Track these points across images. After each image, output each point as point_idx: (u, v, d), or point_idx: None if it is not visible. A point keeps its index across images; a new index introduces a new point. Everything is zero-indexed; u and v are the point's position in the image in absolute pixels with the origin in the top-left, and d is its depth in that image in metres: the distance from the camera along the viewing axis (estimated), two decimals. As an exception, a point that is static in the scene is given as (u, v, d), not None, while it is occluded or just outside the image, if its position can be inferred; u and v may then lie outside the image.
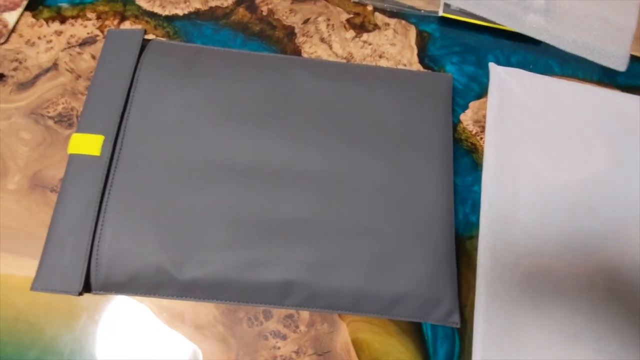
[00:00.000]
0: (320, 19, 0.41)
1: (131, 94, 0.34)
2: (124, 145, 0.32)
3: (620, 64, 0.39)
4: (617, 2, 0.41)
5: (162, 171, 0.31)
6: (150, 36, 0.39)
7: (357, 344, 0.30)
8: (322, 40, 0.40)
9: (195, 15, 0.40)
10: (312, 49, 0.40)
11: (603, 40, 0.39)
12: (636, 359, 0.30)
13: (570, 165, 0.36)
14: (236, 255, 0.29)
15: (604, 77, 0.41)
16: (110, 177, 0.31)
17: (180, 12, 0.40)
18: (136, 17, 0.40)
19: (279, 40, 0.40)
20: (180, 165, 0.32)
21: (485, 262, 0.32)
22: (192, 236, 0.30)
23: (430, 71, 0.39)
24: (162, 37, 0.39)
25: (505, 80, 0.38)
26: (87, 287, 0.29)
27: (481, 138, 0.37)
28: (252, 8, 0.41)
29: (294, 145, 0.33)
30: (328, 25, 0.41)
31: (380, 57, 0.40)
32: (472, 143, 0.37)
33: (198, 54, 0.36)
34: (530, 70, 0.40)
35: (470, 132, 0.38)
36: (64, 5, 0.39)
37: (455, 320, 0.31)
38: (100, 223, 0.30)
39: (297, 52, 0.39)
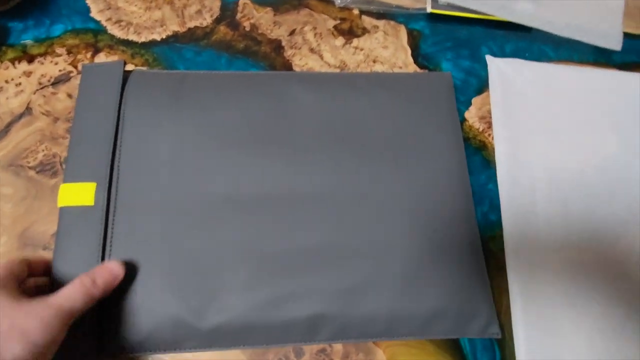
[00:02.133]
0: (306, 28, 0.39)
1: (119, 132, 0.31)
2: (120, 189, 0.30)
3: (615, 43, 0.38)
4: (602, -20, 0.41)
5: (164, 213, 0.29)
6: (129, 66, 0.36)
7: (396, 369, 0.29)
8: (312, 50, 0.38)
9: (174, 38, 0.38)
10: (302, 61, 0.38)
11: (595, 20, 0.39)
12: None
13: (582, 153, 0.35)
14: (258, 294, 0.27)
15: (600, 57, 0.40)
16: (109, 227, 0.29)
17: (157, 37, 0.38)
18: (110, 47, 0.37)
19: (267, 55, 0.38)
20: (183, 204, 0.29)
21: (514, 263, 0.31)
22: (208, 279, 0.27)
23: (428, 72, 0.38)
24: (142, 65, 0.36)
25: (505, 72, 0.37)
26: (100, 348, 0.27)
27: (489, 134, 0.36)
28: (234, 25, 0.39)
29: (300, 167, 0.31)
30: (316, 34, 0.39)
31: (375, 61, 0.38)
32: (480, 140, 0.36)
33: (183, 80, 0.34)
34: (525, 58, 0.39)
35: (477, 129, 0.37)
36: (29, 42, 0.36)
37: (495, 331, 0.29)
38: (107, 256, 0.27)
39: (287, 66, 0.37)
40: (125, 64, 0.35)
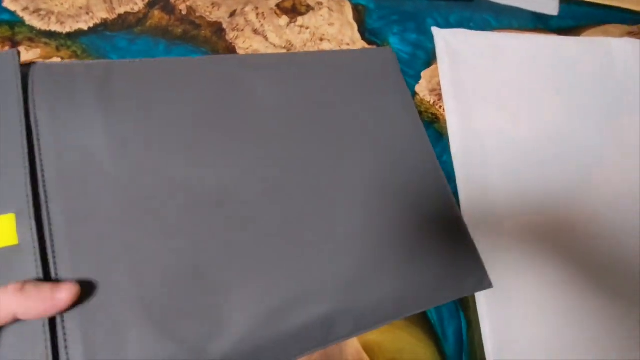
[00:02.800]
0: (247, 9, 0.37)
1: (35, 141, 0.25)
2: (52, 215, 0.23)
3: (552, 9, 0.39)
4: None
5: (119, 232, 0.24)
6: (55, 60, 0.33)
7: (368, 349, 0.29)
8: (256, 32, 0.36)
9: (104, 26, 0.35)
10: (246, 43, 0.36)
11: (532, -13, 0.40)
12: (629, 285, 0.31)
13: (530, 119, 0.36)
14: (261, 306, 0.24)
15: (539, 23, 0.41)
16: (51, 269, 0.22)
17: (84, 26, 0.34)
18: (31, 40, 0.33)
19: (207, 39, 0.36)
20: (139, 216, 0.25)
21: (472, 230, 0.32)
22: (199, 302, 0.23)
23: (369, 47, 0.37)
24: (69, 58, 0.33)
25: (451, 43, 0.37)
26: None
27: (440, 107, 0.37)
28: (169, 9, 0.36)
29: (263, 159, 0.29)
30: (258, 14, 0.37)
31: (321, 40, 0.37)
32: (432, 113, 0.36)
33: (110, 71, 0.29)
34: (469, 27, 0.40)
35: (429, 102, 0.37)
36: None
37: (487, 283, 0.30)
38: (62, 344, 0.21)
39: (230, 49, 0.36)
40: (19, 53, 0.28)
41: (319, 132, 0.31)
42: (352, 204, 0.29)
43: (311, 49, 0.36)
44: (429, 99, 0.37)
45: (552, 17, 0.41)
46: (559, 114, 0.36)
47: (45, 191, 0.23)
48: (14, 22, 0.33)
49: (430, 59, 0.38)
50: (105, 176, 0.25)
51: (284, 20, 0.37)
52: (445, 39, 0.37)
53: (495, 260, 0.31)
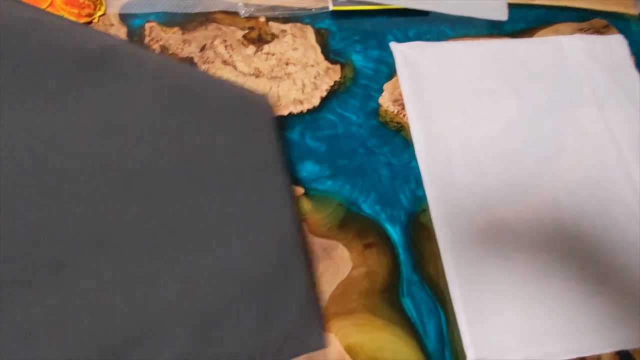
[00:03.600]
0: (216, 42, 0.40)
1: None
2: None
3: (501, 14, 0.42)
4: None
5: None
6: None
7: (350, 350, 0.30)
8: (225, 62, 0.39)
9: (84, 71, 0.37)
10: (217, 73, 0.38)
11: (481, -4, 0.42)
12: (594, 266, 0.33)
13: (489, 119, 0.38)
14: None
15: (493, 29, 0.44)
16: None
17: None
18: None
19: (181, 74, 0.38)
20: None
21: (442, 231, 0.33)
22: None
23: (249, 91, 0.34)
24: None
25: (409, 55, 0.40)
26: None
27: (404, 115, 0.39)
28: (143, 48, 0.39)
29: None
30: (226, 46, 0.40)
31: (287, 64, 0.40)
32: (397, 122, 0.38)
33: None
34: (427, 39, 0.42)
35: (393, 112, 0.39)
36: None
37: (320, 343, 0.29)
38: None
39: (203, 81, 0.38)
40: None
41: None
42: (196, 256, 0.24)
43: (278, 74, 0.39)
44: (393, 109, 0.39)
45: (505, 22, 0.44)
46: (516, 111, 0.38)
47: None
48: None
49: (391, 72, 0.41)
50: None
51: (251, 49, 0.40)
52: (403, 52, 0.40)
53: (468, 254, 0.33)
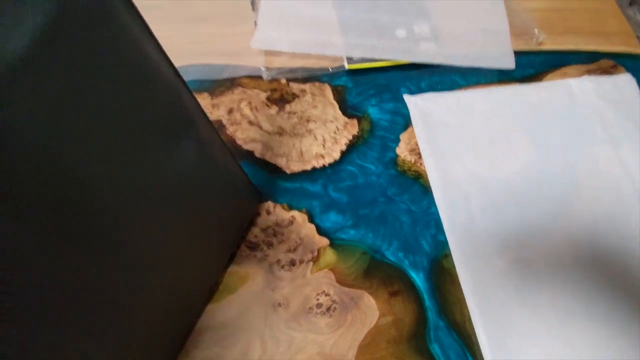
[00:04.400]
0: (242, 105, 0.43)
1: None
2: None
3: (508, 63, 0.44)
4: (488, 12, 0.47)
5: None
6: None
7: (381, 400, 0.31)
8: (251, 123, 0.42)
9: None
10: (244, 134, 0.42)
11: (487, 47, 0.45)
12: (622, 311, 0.33)
13: (505, 162, 0.39)
14: None
15: (503, 76, 0.46)
16: None
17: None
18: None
19: (211, 135, 0.42)
20: None
21: (465, 275, 0.34)
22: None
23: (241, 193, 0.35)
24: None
25: (422, 106, 0.42)
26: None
27: (421, 164, 0.40)
28: (177, 115, 0.43)
29: None
30: (252, 108, 0.43)
31: (308, 121, 0.43)
32: (415, 170, 0.40)
33: None
34: (439, 90, 0.44)
35: (410, 161, 0.41)
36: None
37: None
38: None
39: (231, 141, 0.41)
40: None
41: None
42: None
43: (300, 131, 0.42)
44: (410, 158, 0.41)
45: (513, 69, 0.46)
46: (531, 154, 0.40)
47: None
48: None
49: (407, 123, 0.43)
50: None
51: (274, 109, 0.43)
52: (416, 103, 0.42)
53: (492, 298, 0.33)
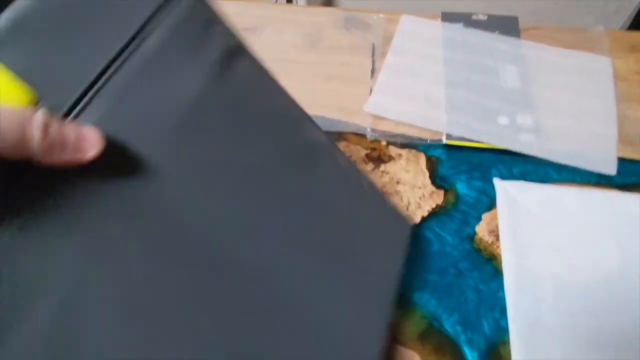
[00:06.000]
0: (343, 156, 0.49)
1: None
2: None
3: (609, 168, 0.44)
4: (596, 115, 0.48)
5: None
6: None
7: None
8: (347, 174, 0.48)
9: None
10: (339, 182, 0.47)
11: (590, 148, 0.45)
12: None
13: (586, 267, 0.39)
14: None
15: (601, 179, 0.46)
16: None
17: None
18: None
19: (311, 177, 0.48)
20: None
21: (520, 369, 0.34)
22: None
23: (393, 214, 0.38)
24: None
25: (511, 193, 0.44)
26: None
27: (497, 247, 0.42)
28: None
29: None
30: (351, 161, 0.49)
31: (398, 183, 0.47)
32: (490, 252, 0.42)
33: None
34: (531, 179, 0.46)
35: (487, 242, 0.42)
36: None
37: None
38: None
39: (327, 186, 0.47)
40: None
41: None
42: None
43: (389, 190, 0.46)
44: (488, 238, 0.43)
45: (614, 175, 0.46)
46: (618, 264, 0.39)
47: None
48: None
49: (492, 204, 0.45)
50: None
51: (370, 166, 0.48)
52: (505, 189, 0.44)
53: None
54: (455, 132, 0.48)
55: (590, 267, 0.39)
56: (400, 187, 0.46)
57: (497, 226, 0.43)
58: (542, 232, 0.41)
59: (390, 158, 0.49)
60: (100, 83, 0.20)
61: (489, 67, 0.53)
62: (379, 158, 0.49)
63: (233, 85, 0.25)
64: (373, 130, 0.50)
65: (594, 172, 0.46)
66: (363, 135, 0.50)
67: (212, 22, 0.25)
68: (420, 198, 0.46)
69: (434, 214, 0.45)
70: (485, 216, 0.44)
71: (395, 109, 0.49)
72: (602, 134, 0.46)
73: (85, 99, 0.20)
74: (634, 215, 0.42)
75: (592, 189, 0.44)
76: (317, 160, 0.30)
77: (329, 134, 0.51)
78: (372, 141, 0.50)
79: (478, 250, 0.42)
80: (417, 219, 0.44)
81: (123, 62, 0.21)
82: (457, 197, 0.46)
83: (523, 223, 0.42)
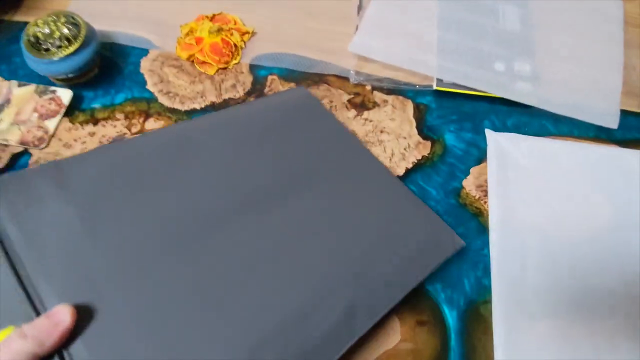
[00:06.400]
0: (324, 101, 0.45)
1: (9, 251, 0.27)
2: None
3: (611, 121, 0.40)
4: (601, 62, 0.44)
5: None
6: (171, 130, 0.43)
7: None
8: (327, 120, 0.43)
9: (212, 107, 0.44)
10: (317, 129, 0.43)
11: (592, 99, 0.42)
12: None
13: (575, 224, 0.36)
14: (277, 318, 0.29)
15: (600, 133, 0.42)
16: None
17: (197, 106, 0.45)
18: (159, 113, 0.44)
19: (287, 123, 0.43)
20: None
21: (500, 329, 0.32)
22: (197, 320, 0.27)
23: (286, 90, 0.43)
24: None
25: (503, 146, 0.40)
26: None
27: (485, 202, 0.39)
28: (261, 96, 0.45)
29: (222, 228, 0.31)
30: (331, 106, 0.44)
31: (382, 132, 0.43)
32: (476, 207, 0.39)
33: (60, 168, 0.32)
34: (525, 132, 0.42)
35: (474, 197, 0.39)
36: (97, 106, 0.44)
37: (459, 242, 0.36)
38: None
39: (304, 133, 0.43)
40: None
41: (274, 171, 0.36)
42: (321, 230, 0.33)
43: (371, 139, 0.42)
44: (475, 193, 0.39)
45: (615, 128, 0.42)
46: (608, 224, 0.36)
47: (41, 301, 0.26)
48: (151, 99, 0.45)
49: (481, 157, 0.41)
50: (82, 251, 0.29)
51: (352, 112, 0.44)
52: (497, 141, 0.41)
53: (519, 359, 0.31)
54: (447, 78, 0.43)
55: (580, 224, 0.37)
56: (384, 137, 0.42)
57: (485, 181, 0.40)
58: (533, 188, 0.38)
59: (375, 105, 0.44)
60: None
61: (487, 7, 0.48)
62: (362, 104, 0.45)
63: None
64: (357, 73, 0.46)
65: (593, 125, 0.42)
66: (346, 79, 0.46)
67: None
68: (405, 149, 0.42)
69: (418, 166, 0.41)
70: (474, 170, 0.41)
71: (382, 50, 0.45)
72: (605, 83, 0.43)
73: None
74: (633, 173, 0.39)
75: (589, 143, 0.41)
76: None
77: (308, 75, 0.46)
78: (356, 85, 0.46)
79: (464, 206, 0.39)
80: (401, 171, 0.41)
81: None
82: (445, 148, 0.42)
83: (514, 178, 0.39)
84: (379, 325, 0.34)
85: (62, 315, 0.24)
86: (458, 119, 0.44)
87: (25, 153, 0.42)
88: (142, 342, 0.26)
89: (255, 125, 0.39)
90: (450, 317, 0.34)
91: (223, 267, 0.30)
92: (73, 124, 0.43)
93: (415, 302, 0.35)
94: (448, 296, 0.35)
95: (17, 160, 0.42)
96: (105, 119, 0.44)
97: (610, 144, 0.42)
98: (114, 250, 0.29)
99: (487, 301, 0.35)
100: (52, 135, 0.43)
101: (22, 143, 0.42)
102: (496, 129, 0.43)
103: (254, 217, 0.32)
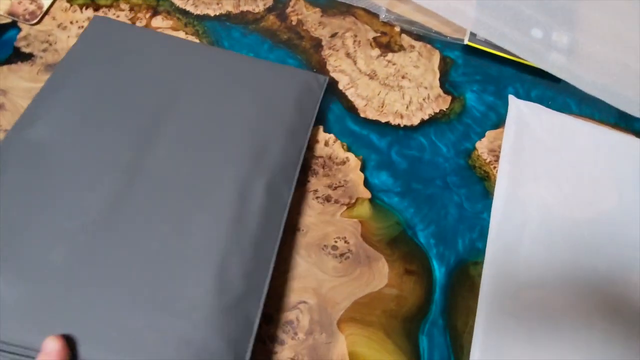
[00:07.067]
0: (347, 34, 0.42)
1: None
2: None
3: (637, 110, 0.39)
4: (636, 49, 0.42)
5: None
6: (179, 34, 0.39)
7: (353, 357, 0.30)
8: (348, 55, 0.41)
9: (226, 17, 0.41)
10: (337, 62, 0.40)
11: (622, 85, 0.40)
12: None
13: (580, 204, 0.36)
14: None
15: (620, 120, 0.41)
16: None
17: (211, 13, 0.41)
18: (168, 13, 0.40)
19: (305, 50, 0.41)
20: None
21: (487, 290, 0.32)
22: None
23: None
24: (191, 35, 0.40)
25: (524, 114, 0.39)
26: None
27: (494, 167, 0.38)
28: (283, 17, 0.42)
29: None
30: (355, 41, 0.41)
31: (403, 77, 0.40)
32: (485, 171, 0.38)
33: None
34: (548, 106, 0.41)
35: (485, 160, 0.38)
36: (100, -6, 0.40)
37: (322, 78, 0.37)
38: None
39: (322, 63, 0.40)
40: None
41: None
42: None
43: (391, 83, 0.40)
44: (486, 157, 0.38)
45: (637, 118, 0.41)
46: (611, 209, 0.36)
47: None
48: (162, -4, 0.41)
49: (499, 122, 0.40)
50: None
51: (375, 52, 0.41)
52: (519, 108, 0.39)
53: (502, 325, 0.31)
54: (481, 33, 0.41)
55: (585, 205, 0.36)
56: (404, 82, 0.40)
57: (499, 147, 0.39)
58: (545, 161, 0.37)
59: (401, 48, 0.42)
60: None
61: (537, -32, 0.44)
62: (387, 45, 0.42)
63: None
64: (389, 11, 0.42)
65: (615, 112, 0.41)
66: (375, 15, 0.43)
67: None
68: (424, 99, 0.40)
69: (434, 119, 0.39)
70: (489, 134, 0.39)
71: (421, -11, 0.41)
72: (636, 70, 0.41)
73: None
74: (645, 164, 0.38)
75: (609, 129, 0.40)
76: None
77: (335, 3, 0.43)
78: (385, 24, 0.43)
79: (472, 167, 0.38)
80: (416, 121, 0.39)
81: None
82: (464, 107, 0.40)
83: (529, 148, 0.38)
84: (366, 265, 0.33)
85: (51, 343, 0.24)
86: (482, 79, 0.42)
87: (13, 26, 0.38)
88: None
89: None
90: (439, 272, 0.34)
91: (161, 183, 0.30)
92: (71, 4, 0.39)
93: (407, 251, 0.34)
94: (440, 252, 0.35)
95: (4, 32, 0.38)
96: (108, 6, 0.40)
97: (629, 132, 0.41)
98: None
99: (478, 263, 0.34)
100: (46, 13, 0.39)
101: (10, 14, 0.38)
102: (519, 97, 0.41)
103: (165, 141, 0.32)
